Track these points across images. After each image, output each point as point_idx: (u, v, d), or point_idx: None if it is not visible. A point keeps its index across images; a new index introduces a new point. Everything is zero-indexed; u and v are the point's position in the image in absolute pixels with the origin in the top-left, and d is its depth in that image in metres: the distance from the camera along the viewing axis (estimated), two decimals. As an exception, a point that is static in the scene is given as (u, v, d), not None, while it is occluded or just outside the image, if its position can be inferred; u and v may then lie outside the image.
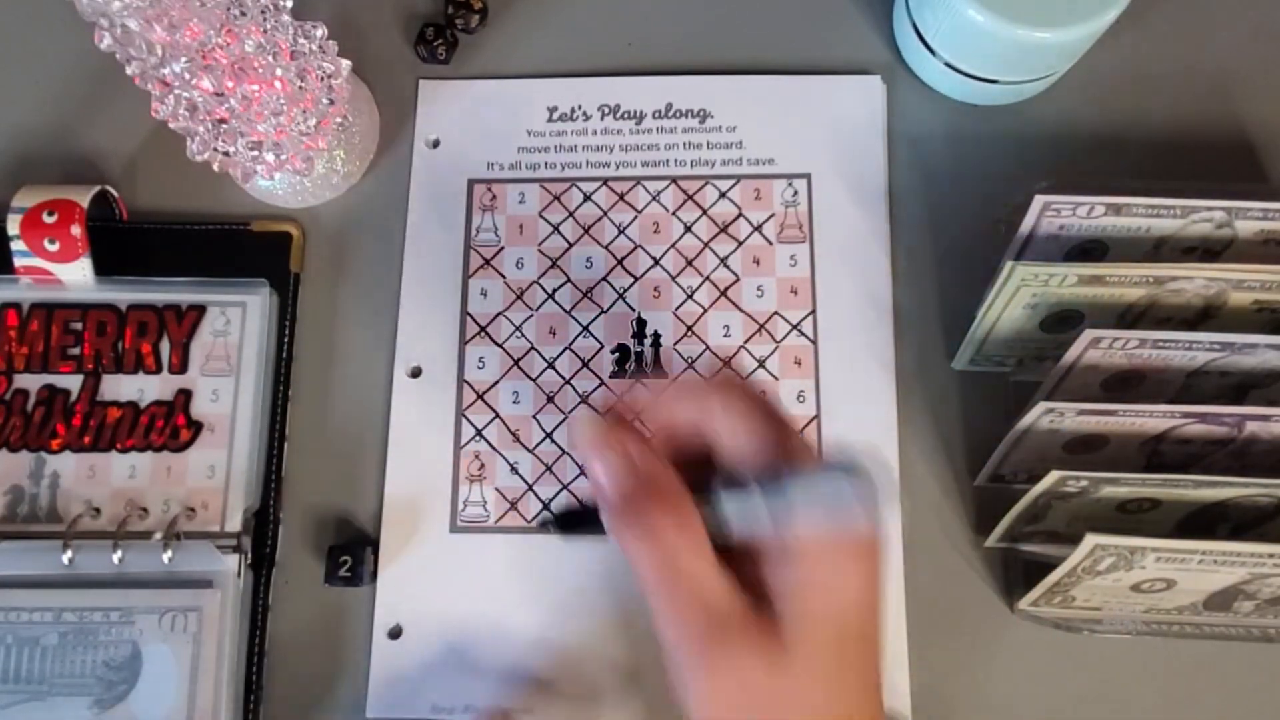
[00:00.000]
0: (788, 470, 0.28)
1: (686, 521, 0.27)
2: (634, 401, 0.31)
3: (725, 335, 0.47)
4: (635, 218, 0.49)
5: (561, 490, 0.45)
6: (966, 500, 0.45)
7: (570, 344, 0.47)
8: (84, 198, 0.46)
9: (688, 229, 0.48)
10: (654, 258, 0.48)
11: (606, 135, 0.50)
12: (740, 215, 0.48)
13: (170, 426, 0.45)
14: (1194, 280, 0.38)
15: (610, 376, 0.46)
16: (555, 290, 0.48)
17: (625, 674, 0.43)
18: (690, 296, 0.47)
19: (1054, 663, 0.43)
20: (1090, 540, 0.35)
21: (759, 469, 0.28)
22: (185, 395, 0.46)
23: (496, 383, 0.47)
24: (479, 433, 0.46)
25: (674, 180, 0.49)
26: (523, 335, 0.47)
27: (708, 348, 0.47)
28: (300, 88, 0.42)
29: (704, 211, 0.48)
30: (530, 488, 0.46)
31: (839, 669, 0.27)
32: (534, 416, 0.46)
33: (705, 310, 0.47)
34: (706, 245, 0.48)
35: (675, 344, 0.47)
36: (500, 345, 0.47)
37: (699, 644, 0.27)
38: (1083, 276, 0.38)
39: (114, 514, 0.44)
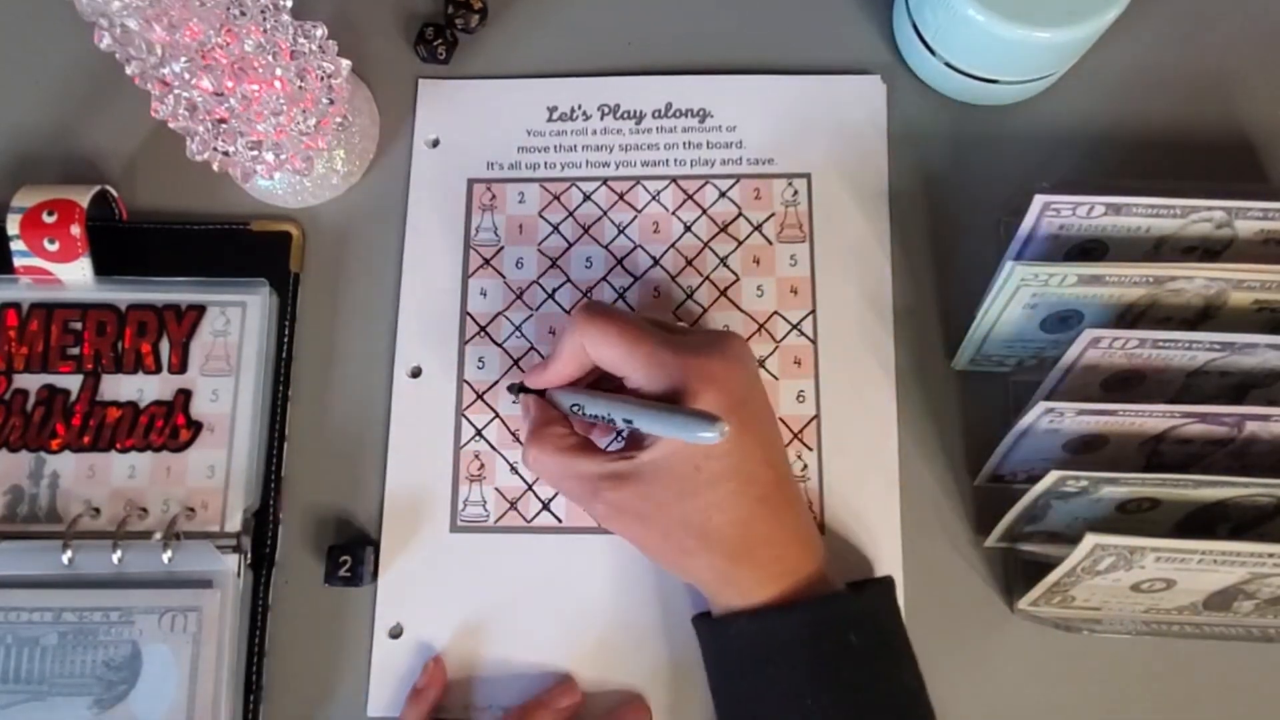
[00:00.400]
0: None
1: (546, 445, 0.40)
2: (542, 372, 0.42)
3: (725, 335, 0.47)
4: (635, 217, 0.49)
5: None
6: (966, 500, 0.45)
7: (570, 344, 0.47)
8: (84, 198, 0.46)
9: (687, 229, 0.48)
10: (654, 257, 0.48)
11: (606, 135, 0.50)
12: (740, 215, 0.48)
13: (170, 426, 0.45)
14: (1194, 280, 0.38)
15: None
16: (555, 290, 0.48)
17: (627, 670, 0.43)
18: (690, 296, 0.47)
19: (1054, 663, 0.43)
20: (1090, 540, 0.35)
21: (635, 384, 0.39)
22: (185, 395, 0.46)
23: (496, 383, 0.47)
24: (479, 433, 0.46)
25: (674, 180, 0.49)
26: (522, 335, 0.47)
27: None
28: (300, 88, 0.42)
29: (704, 211, 0.48)
30: (530, 488, 0.46)
31: (685, 477, 0.37)
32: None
33: (705, 310, 0.47)
34: (706, 245, 0.48)
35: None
36: (500, 345, 0.47)
37: (587, 500, 0.39)
38: (1083, 276, 0.38)
39: (114, 514, 0.44)
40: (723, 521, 0.38)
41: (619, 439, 0.45)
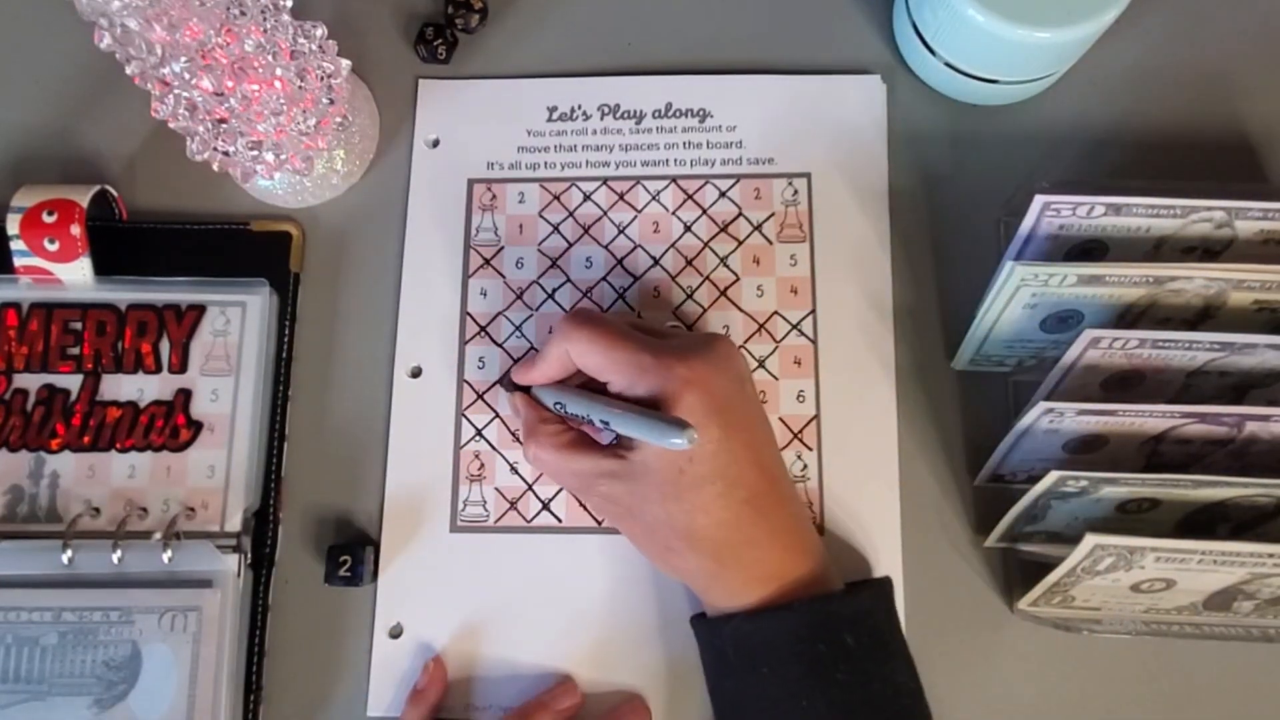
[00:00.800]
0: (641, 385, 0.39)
1: (543, 442, 0.41)
2: (527, 370, 0.43)
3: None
4: (635, 217, 0.49)
5: (561, 490, 0.45)
6: (966, 500, 0.45)
7: (570, 344, 0.47)
8: (84, 197, 0.46)
9: (687, 229, 0.48)
10: (654, 257, 0.48)
11: (606, 135, 0.50)
12: (740, 215, 0.48)
13: (170, 426, 0.45)
14: (1194, 280, 0.38)
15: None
16: (555, 290, 0.48)
17: (627, 671, 0.43)
18: (690, 296, 0.47)
19: (1054, 663, 0.43)
20: (1090, 540, 0.35)
21: (620, 385, 0.40)
22: (185, 395, 0.46)
23: (497, 382, 0.47)
24: (479, 433, 0.46)
25: (674, 180, 0.49)
26: (523, 335, 0.47)
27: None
28: (300, 87, 0.42)
29: (704, 211, 0.48)
30: (530, 488, 0.46)
31: (670, 480, 0.38)
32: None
33: (705, 310, 0.47)
34: (706, 245, 0.48)
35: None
36: (500, 345, 0.47)
37: (584, 492, 0.41)
38: (1082, 276, 0.38)
39: (114, 514, 0.44)
40: (707, 524, 0.38)
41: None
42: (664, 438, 0.36)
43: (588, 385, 0.42)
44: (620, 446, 0.39)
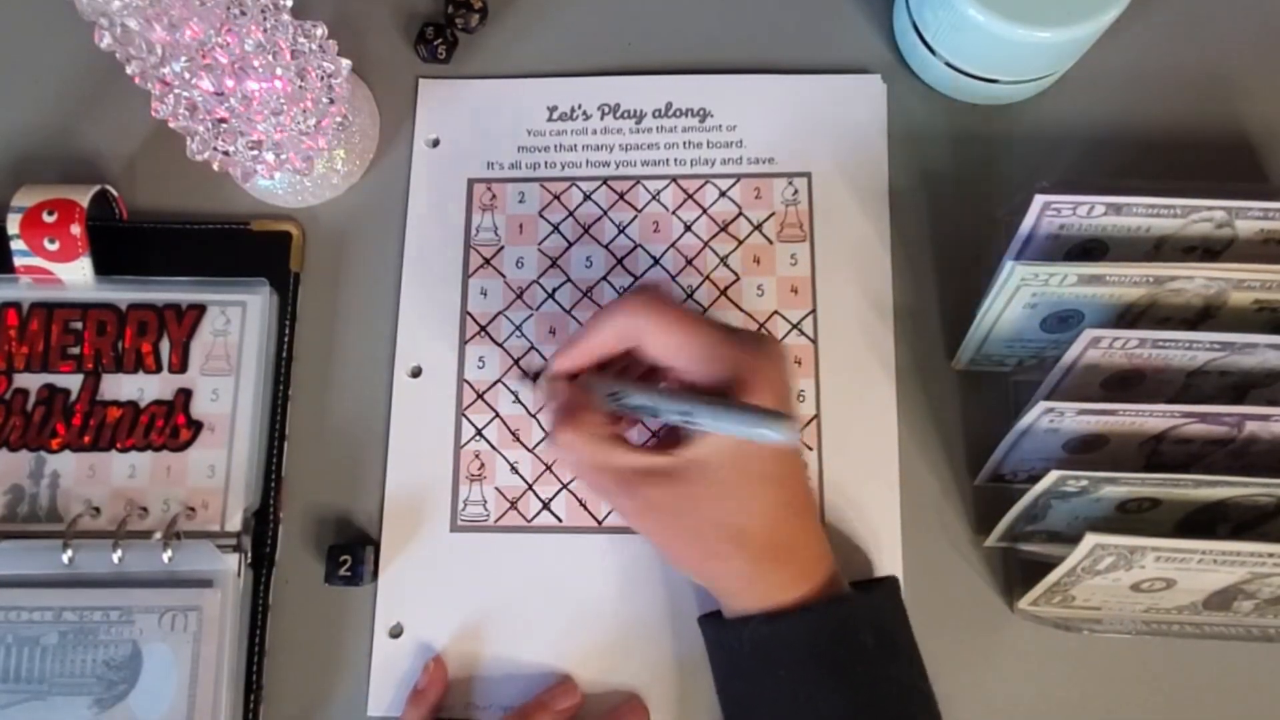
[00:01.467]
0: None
1: (582, 430, 0.37)
2: (570, 350, 0.40)
3: (725, 335, 0.47)
4: (635, 217, 0.49)
5: (561, 490, 0.45)
6: (966, 500, 0.45)
7: (570, 344, 0.47)
8: (84, 197, 0.46)
9: (687, 228, 0.48)
10: (654, 257, 0.48)
11: (606, 135, 0.50)
12: (740, 214, 0.48)
13: (170, 426, 0.45)
14: (1194, 280, 0.38)
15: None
16: (555, 290, 0.48)
17: (626, 671, 0.43)
18: (690, 296, 0.47)
19: (1054, 663, 0.43)
20: (1090, 540, 0.35)
21: (692, 376, 0.38)
22: (185, 395, 0.46)
23: (496, 382, 0.47)
24: (479, 432, 0.46)
25: (674, 179, 0.49)
26: (523, 335, 0.47)
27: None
28: (300, 87, 0.42)
29: (704, 211, 0.48)
30: (530, 487, 0.46)
31: (725, 479, 0.36)
32: (533, 416, 0.46)
33: (705, 309, 0.47)
34: (706, 244, 0.48)
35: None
36: (500, 345, 0.47)
37: (616, 494, 0.38)
38: (1083, 276, 0.38)
39: (114, 513, 0.44)
40: (755, 525, 0.37)
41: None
42: (764, 430, 0.33)
43: (624, 373, 0.41)
44: (668, 443, 0.38)
